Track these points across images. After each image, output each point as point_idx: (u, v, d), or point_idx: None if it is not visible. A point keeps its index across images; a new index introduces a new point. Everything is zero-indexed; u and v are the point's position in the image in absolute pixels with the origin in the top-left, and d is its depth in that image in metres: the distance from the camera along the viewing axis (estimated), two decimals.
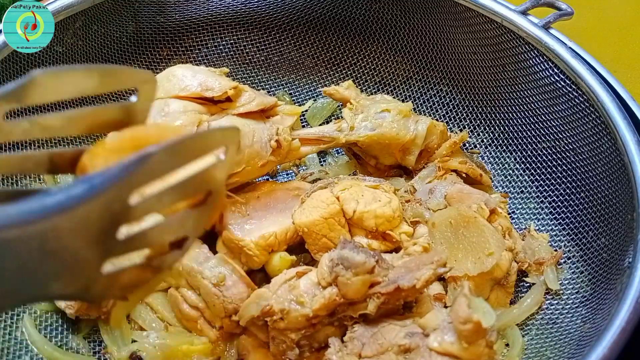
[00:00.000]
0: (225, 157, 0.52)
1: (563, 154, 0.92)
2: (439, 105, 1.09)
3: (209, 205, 0.53)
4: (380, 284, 0.69)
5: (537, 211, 0.96)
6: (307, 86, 1.16)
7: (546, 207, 0.95)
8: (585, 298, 0.81)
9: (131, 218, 0.47)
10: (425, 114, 1.10)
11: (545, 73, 0.90)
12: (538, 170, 0.97)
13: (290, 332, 0.71)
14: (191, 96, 0.82)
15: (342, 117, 0.96)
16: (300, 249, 0.87)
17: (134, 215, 0.46)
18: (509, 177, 1.01)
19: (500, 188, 1.01)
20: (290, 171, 1.09)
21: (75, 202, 0.41)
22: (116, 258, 0.48)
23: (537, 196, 0.96)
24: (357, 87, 1.10)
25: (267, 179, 1.08)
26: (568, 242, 0.89)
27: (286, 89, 1.16)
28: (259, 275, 0.86)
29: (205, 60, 1.13)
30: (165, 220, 0.51)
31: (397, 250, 0.83)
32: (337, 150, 1.09)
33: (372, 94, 1.13)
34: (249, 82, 1.15)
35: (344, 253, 0.69)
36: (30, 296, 0.46)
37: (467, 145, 1.05)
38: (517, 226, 0.95)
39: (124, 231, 0.47)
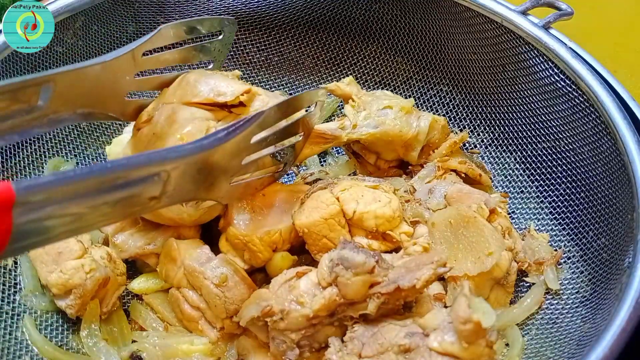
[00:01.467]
0: (314, 109, 0.82)
1: (563, 154, 0.92)
2: (439, 105, 1.09)
3: (301, 142, 0.85)
4: (380, 284, 0.69)
5: (537, 211, 0.96)
6: (307, 86, 1.16)
7: (546, 207, 0.95)
8: (585, 298, 0.81)
9: (252, 151, 0.75)
10: None
11: (545, 73, 0.90)
12: (538, 170, 0.97)
13: (290, 333, 0.71)
14: (203, 102, 0.82)
15: (343, 115, 0.96)
16: (301, 249, 0.87)
17: (254, 149, 0.75)
18: (509, 177, 1.01)
19: (500, 188, 1.01)
20: (291, 171, 1.09)
21: (219, 142, 0.68)
22: (239, 176, 0.76)
23: (537, 196, 0.96)
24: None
25: None
26: (568, 242, 0.89)
27: (286, 89, 1.16)
28: (260, 276, 0.86)
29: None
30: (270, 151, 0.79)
31: (397, 250, 0.83)
32: (337, 150, 1.09)
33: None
34: (249, 82, 1.15)
35: (344, 253, 0.69)
36: (192, 197, 0.72)
37: (467, 145, 1.05)
38: (517, 226, 0.95)
39: (246, 158, 0.74)
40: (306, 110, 0.81)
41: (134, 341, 0.83)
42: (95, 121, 1.03)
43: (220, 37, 0.91)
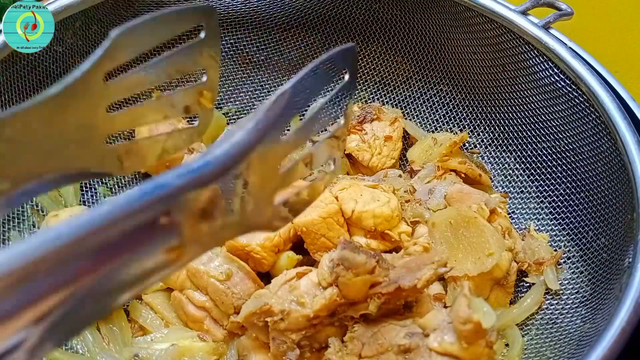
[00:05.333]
0: (348, 77, 0.57)
1: (563, 154, 0.92)
2: (439, 105, 1.09)
3: (343, 130, 0.60)
4: (381, 284, 0.68)
5: (537, 211, 0.96)
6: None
7: (546, 207, 0.95)
8: (585, 298, 0.81)
9: (286, 154, 0.51)
10: (425, 114, 1.10)
11: (545, 73, 0.90)
12: (538, 170, 0.97)
13: (290, 333, 0.71)
14: None
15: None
16: (301, 249, 0.87)
17: (287, 150, 0.51)
18: (508, 177, 1.01)
19: (500, 188, 1.01)
20: None
21: (244, 147, 0.45)
22: (281, 190, 0.53)
23: (537, 196, 0.96)
24: (357, 86, 1.10)
25: None
26: (568, 242, 0.89)
27: None
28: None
29: None
30: (314, 148, 0.57)
31: (397, 250, 0.83)
32: None
33: (372, 94, 1.14)
34: (249, 82, 1.15)
35: (345, 254, 0.69)
36: (230, 235, 0.49)
37: (467, 145, 1.05)
38: (517, 226, 0.95)
39: (285, 164, 0.52)
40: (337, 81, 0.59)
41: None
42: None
43: (202, 35, 0.61)
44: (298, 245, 0.87)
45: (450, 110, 1.08)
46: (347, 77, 0.57)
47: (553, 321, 0.83)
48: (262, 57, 1.16)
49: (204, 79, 0.63)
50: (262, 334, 0.75)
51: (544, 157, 0.95)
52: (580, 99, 0.86)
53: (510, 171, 1.01)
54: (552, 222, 0.93)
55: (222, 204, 0.45)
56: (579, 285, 0.84)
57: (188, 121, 0.78)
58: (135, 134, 0.90)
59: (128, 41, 0.55)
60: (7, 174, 0.49)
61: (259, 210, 0.50)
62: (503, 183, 1.01)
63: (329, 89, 0.58)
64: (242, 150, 0.45)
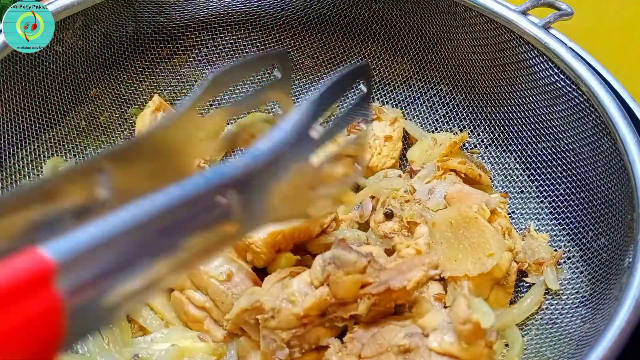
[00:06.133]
0: (367, 88, 0.68)
1: (563, 154, 0.92)
2: (439, 105, 1.09)
3: (365, 131, 0.72)
4: (371, 284, 0.68)
5: (537, 211, 0.96)
6: (307, 86, 1.16)
7: (546, 207, 0.95)
8: (585, 298, 0.81)
9: (316, 148, 0.60)
10: (425, 114, 1.10)
11: (545, 73, 0.90)
12: (538, 170, 0.97)
13: (281, 332, 0.71)
14: None
15: None
16: (301, 249, 0.87)
17: (318, 145, 0.60)
18: (509, 177, 1.01)
19: (500, 188, 1.01)
20: None
21: (281, 144, 0.54)
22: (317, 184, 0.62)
23: (537, 196, 0.96)
24: (357, 86, 1.10)
25: None
26: (568, 242, 0.89)
27: None
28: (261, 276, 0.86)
29: (205, 60, 1.13)
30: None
31: (390, 253, 0.83)
32: None
33: (372, 94, 1.13)
34: (249, 82, 1.15)
35: (336, 252, 0.69)
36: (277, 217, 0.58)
37: (467, 145, 1.05)
38: (517, 226, 0.95)
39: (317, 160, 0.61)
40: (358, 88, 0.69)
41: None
42: None
43: (279, 74, 0.75)
44: (300, 247, 0.87)
45: (450, 110, 1.08)
46: (364, 88, 0.68)
47: (553, 321, 0.83)
48: None
49: (279, 111, 0.77)
50: (254, 332, 0.75)
51: (544, 157, 0.95)
52: (580, 99, 0.86)
53: (510, 171, 1.01)
54: (552, 222, 0.93)
55: (267, 190, 0.54)
56: (579, 285, 0.84)
57: None
58: None
59: (222, 81, 0.68)
60: (118, 197, 0.56)
61: (297, 199, 0.58)
62: (503, 183, 1.01)
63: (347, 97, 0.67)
64: (282, 147, 0.54)
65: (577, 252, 0.87)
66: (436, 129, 1.08)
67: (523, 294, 0.87)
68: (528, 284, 0.87)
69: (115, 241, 0.39)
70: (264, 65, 0.77)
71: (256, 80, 0.79)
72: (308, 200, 0.61)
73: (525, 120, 0.97)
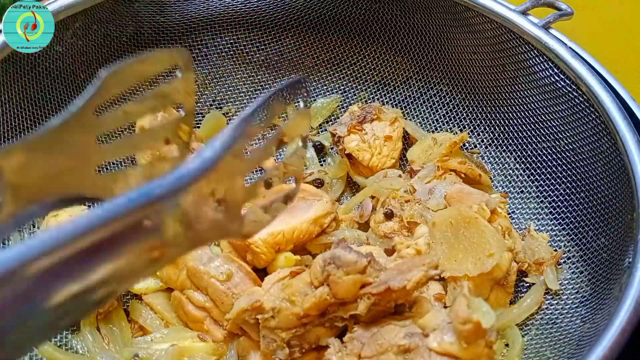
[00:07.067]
0: (302, 104, 0.66)
1: (563, 154, 0.92)
2: (439, 105, 1.09)
3: (302, 149, 0.68)
4: (371, 284, 0.68)
5: (537, 211, 0.96)
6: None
7: (546, 207, 0.95)
8: (585, 298, 0.81)
9: (250, 168, 0.59)
10: (425, 114, 1.10)
11: (545, 73, 0.90)
12: (538, 170, 0.97)
13: (281, 331, 0.71)
14: None
15: None
16: (302, 250, 0.87)
17: (251, 165, 0.60)
18: (509, 177, 1.01)
19: (500, 188, 1.01)
20: None
21: (211, 163, 0.52)
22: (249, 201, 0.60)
23: (537, 196, 0.96)
24: (357, 87, 1.11)
25: None
26: (568, 242, 0.89)
27: None
28: (260, 276, 0.86)
29: (205, 60, 1.13)
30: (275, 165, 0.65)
31: (391, 253, 0.83)
32: (337, 151, 1.09)
33: (372, 94, 1.14)
34: (249, 82, 1.15)
35: (336, 252, 0.69)
36: (207, 238, 0.55)
37: (467, 145, 1.05)
38: (517, 226, 0.95)
39: (245, 179, 0.59)
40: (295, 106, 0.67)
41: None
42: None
43: (178, 74, 0.70)
44: (300, 247, 0.87)
45: (450, 110, 1.08)
46: (301, 104, 0.66)
47: (553, 321, 0.83)
48: (262, 57, 1.15)
49: (182, 113, 0.71)
50: (253, 331, 0.75)
51: (544, 157, 0.95)
52: (580, 99, 0.86)
53: (510, 171, 1.01)
54: (552, 222, 0.93)
55: (197, 211, 0.51)
56: (579, 285, 0.84)
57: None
58: None
59: (116, 80, 0.64)
60: (13, 198, 0.55)
61: (229, 219, 0.56)
62: (503, 183, 1.01)
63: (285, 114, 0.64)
64: (211, 165, 0.52)
65: (577, 252, 0.87)
66: (436, 129, 1.08)
67: (523, 294, 0.87)
68: (528, 284, 0.87)
69: (34, 263, 0.39)
70: (161, 63, 0.70)
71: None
72: (240, 219, 0.59)
73: (525, 120, 0.97)
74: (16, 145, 0.56)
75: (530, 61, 0.92)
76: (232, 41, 1.14)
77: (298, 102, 0.66)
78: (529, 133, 0.97)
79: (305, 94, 0.66)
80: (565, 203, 0.92)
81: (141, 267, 0.48)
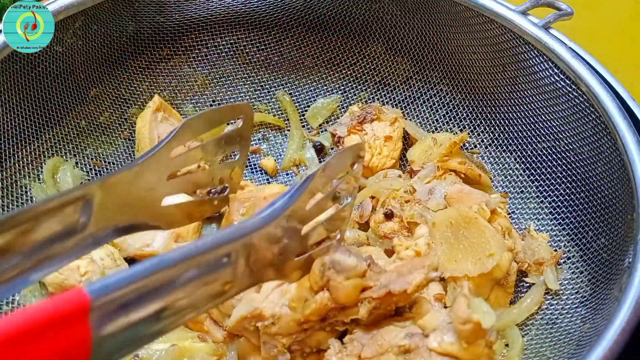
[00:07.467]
0: (357, 166, 0.74)
1: (563, 154, 0.92)
2: (439, 105, 1.09)
3: (350, 204, 0.76)
4: (371, 288, 0.68)
5: (537, 211, 0.96)
6: (307, 86, 1.16)
7: (546, 207, 0.95)
8: (585, 298, 0.81)
9: (308, 219, 0.68)
10: (425, 114, 1.10)
11: (545, 73, 0.90)
12: (538, 170, 0.97)
13: (281, 337, 0.71)
14: None
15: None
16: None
17: (309, 217, 0.68)
18: (509, 177, 1.01)
19: (500, 188, 1.01)
20: (290, 171, 1.09)
21: (278, 212, 0.63)
22: (300, 248, 0.68)
23: (537, 196, 0.96)
24: (357, 87, 1.11)
25: (268, 180, 1.08)
26: (568, 242, 0.89)
27: (286, 89, 1.16)
28: None
29: (205, 60, 1.13)
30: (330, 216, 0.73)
31: (390, 254, 0.83)
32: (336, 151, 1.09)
33: (372, 94, 1.14)
34: (249, 82, 1.16)
35: (336, 257, 0.68)
36: (262, 279, 0.65)
37: (467, 145, 1.05)
38: (517, 226, 0.95)
39: (305, 228, 0.68)
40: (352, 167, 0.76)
41: None
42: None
43: (240, 123, 0.86)
44: None
45: (450, 110, 1.08)
46: (355, 166, 0.74)
47: (553, 321, 0.83)
48: (262, 58, 1.16)
49: (237, 158, 0.89)
50: (254, 337, 0.75)
51: (544, 157, 0.95)
52: (580, 99, 0.86)
53: (510, 171, 1.01)
54: (552, 222, 0.93)
55: (261, 254, 0.62)
56: (579, 285, 0.84)
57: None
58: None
59: (192, 126, 0.78)
60: (96, 221, 0.65)
61: (283, 263, 0.66)
62: (503, 183, 1.01)
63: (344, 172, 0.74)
64: (279, 214, 0.62)
65: (577, 252, 0.87)
66: (436, 129, 1.08)
67: (523, 294, 0.87)
68: (528, 284, 0.87)
69: (139, 286, 0.50)
70: (231, 114, 0.87)
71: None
72: (292, 265, 0.67)
73: (525, 120, 0.97)
74: (106, 178, 0.67)
75: (530, 61, 0.92)
76: (232, 41, 1.14)
77: (355, 166, 0.74)
78: (529, 133, 0.97)
79: (362, 158, 0.74)
80: (565, 203, 0.92)
81: (212, 297, 0.59)
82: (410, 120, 1.10)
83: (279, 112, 1.15)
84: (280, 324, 0.70)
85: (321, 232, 0.71)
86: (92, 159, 1.04)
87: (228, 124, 0.98)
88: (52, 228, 0.61)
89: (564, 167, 0.92)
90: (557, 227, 0.92)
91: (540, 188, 0.96)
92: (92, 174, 1.02)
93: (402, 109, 1.11)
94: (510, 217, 0.95)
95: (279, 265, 0.65)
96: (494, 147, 1.04)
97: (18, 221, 0.58)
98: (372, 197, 0.96)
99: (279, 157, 1.12)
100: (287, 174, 1.09)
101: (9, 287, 0.59)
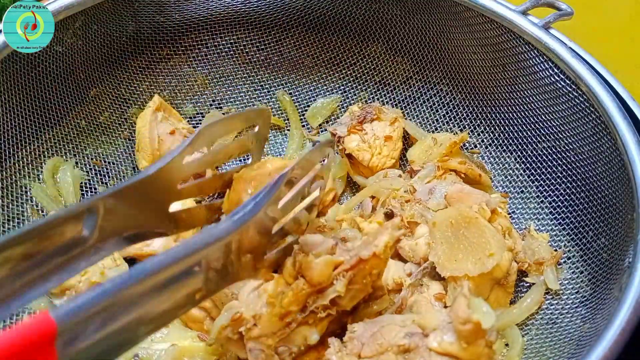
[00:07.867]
0: (327, 161, 0.80)
1: (563, 154, 0.92)
2: (439, 105, 1.09)
3: (317, 199, 0.80)
4: (343, 263, 0.69)
5: (537, 211, 0.96)
6: (307, 86, 1.16)
7: (546, 207, 0.95)
8: (585, 298, 0.81)
9: (280, 216, 0.70)
10: (425, 114, 1.10)
11: (545, 73, 0.90)
12: (538, 170, 0.97)
13: (266, 338, 0.70)
14: None
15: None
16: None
17: (282, 214, 0.70)
18: (509, 177, 1.01)
19: (500, 188, 1.01)
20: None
21: (252, 214, 0.64)
22: (271, 245, 0.71)
23: (537, 196, 0.96)
24: (357, 87, 1.11)
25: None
26: (568, 242, 0.89)
27: (286, 88, 1.16)
28: None
29: (205, 60, 1.13)
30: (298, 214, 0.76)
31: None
32: (337, 152, 1.09)
33: (372, 94, 1.14)
34: (249, 82, 1.16)
35: (302, 239, 0.71)
36: (233, 280, 0.65)
37: (467, 145, 1.05)
38: (517, 226, 0.95)
39: (275, 227, 0.70)
40: (321, 162, 0.80)
41: None
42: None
43: (256, 129, 0.89)
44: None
45: (450, 110, 1.08)
46: (326, 160, 0.79)
47: (553, 321, 0.83)
48: (262, 57, 1.16)
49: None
50: (240, 348, 0.73)
51: (544, 157, 0.95)
52: (580, 99, 0.86)
53: (510, 171, 1.01)
54: (552, 222, 0.93)
55: (229, 259, 0.62)
56: (579, 285, 0.84)
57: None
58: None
59: (208, 133, 0.80)
60: (99, 233, 0.64)
61: (254, 261, 0.67)
62: (503, 183, 1.01)
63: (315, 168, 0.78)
64: (251, 217, 0.64)
65: (577, 252, 0.87)
66: (436, 129, 1.08)
67: (523, 294, 0.87)
68: (528, 284, 0.87)
69: (107, 304, 0.49)
70: (248, 120, 0.88)
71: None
72: (263, 262, 0.69)
73: (525, 120, 0.97)
74: (111, 191, 0.66)
75: (530, 61, 0.92)
76: (232, 41, 1.14)
77: (323, 161, 0.79)
78: (529, 133, 0.97)
79: (331, 155, 0.79)
80: (565, 203, 0.92)
81: (183, 304, 0.59)
82: (410, 120, 1.10)
83: (279, 112, 1.15)
84: (262, 324, 0.69)
85: (291, 227, 0.74)
86: (92, 158, 1.04)
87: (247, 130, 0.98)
88: (61, 240, 0.60)
89: (564, 167, 0.92)
90: (557, 227, 0.92)
91: (541, 188, 0.96)
92: (92, 173, 1.03)
93: (402, 109, 1.11)
94: (510, 217, 0.95)
95: (249, 264, 0.66)
96: (494, 147, 1.04)
97: (29, 235, 0.57)
98: (372, 197, 0.96)
99: (278, 156, 1.12)
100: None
101: (22, 299, 0.59)
